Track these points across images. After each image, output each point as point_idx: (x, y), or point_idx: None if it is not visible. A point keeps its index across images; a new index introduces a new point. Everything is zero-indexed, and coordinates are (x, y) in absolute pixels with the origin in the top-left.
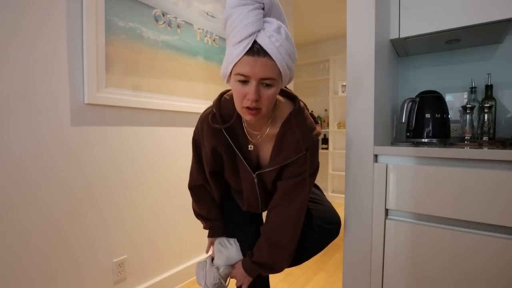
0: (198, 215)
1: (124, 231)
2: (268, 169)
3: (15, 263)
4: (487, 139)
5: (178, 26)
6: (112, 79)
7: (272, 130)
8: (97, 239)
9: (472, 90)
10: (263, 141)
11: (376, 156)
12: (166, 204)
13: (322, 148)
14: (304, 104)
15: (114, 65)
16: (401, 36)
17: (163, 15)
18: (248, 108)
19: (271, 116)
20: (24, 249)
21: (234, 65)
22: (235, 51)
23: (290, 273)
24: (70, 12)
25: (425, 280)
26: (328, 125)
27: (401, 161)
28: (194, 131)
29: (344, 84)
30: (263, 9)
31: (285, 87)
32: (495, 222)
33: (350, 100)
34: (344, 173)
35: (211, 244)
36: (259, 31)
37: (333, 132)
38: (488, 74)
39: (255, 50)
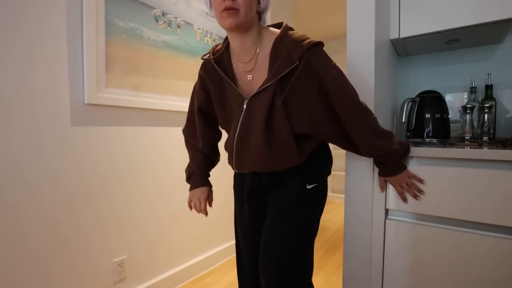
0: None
1: (123, 231)
2: (264, 86)
3: (15, 263)
4: (487, 139)
5: (178, 26)
6: (112, 79)
7: (263, 54)
8: (96, 239)
9: (472, 90)
10: (257, 71)
11: None
12: (160, 206)
13: None
14: None
15: (114, 65)
16: (401, 36)
17: (163, 15)
18: (226, 9)
19: (258, 43)
20: (24, 248)
21: None
22: None
23: None
24: (70, 12)
25: (425, 279)
26: None
27: None
28: None
29: None
30: None
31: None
32: (495, 222)
33: None
34: (344, 173)
35: (190, 202)
36: None
37: None
38: (488, 74)
39: None
